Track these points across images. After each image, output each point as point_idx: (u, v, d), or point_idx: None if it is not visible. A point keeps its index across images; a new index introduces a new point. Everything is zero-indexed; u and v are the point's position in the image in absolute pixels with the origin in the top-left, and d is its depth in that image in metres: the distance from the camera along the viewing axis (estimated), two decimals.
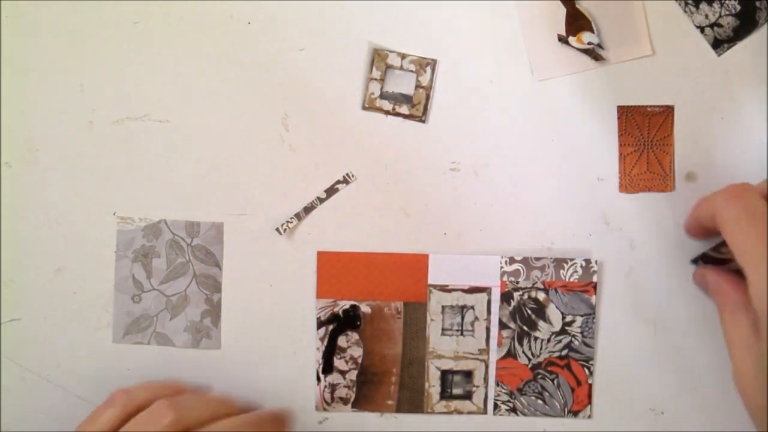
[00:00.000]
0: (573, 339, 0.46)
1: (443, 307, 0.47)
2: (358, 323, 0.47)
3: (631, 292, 0.47)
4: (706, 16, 0.43)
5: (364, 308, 0.47)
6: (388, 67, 0.47)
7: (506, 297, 0.46)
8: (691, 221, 0.45)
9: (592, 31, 0.46)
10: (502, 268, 0.46)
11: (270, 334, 0.48)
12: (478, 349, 0.47)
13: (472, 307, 0.47)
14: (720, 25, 0.43)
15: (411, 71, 0.47)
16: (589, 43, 0.46)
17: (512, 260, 0.46)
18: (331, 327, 0.47)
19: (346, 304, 0.47)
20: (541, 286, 0.46)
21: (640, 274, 0.47)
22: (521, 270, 0.46)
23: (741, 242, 0.38)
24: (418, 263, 0.47)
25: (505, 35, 0.47)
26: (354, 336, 0.47)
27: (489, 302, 0.47)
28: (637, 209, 0.47)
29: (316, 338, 0.47)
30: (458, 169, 0.47)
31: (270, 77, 0.47)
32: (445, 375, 0.47)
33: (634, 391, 0.47)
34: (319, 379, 0.47)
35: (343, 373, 0.47)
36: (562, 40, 0.47)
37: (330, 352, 0.47)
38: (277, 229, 0.47)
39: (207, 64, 0.47)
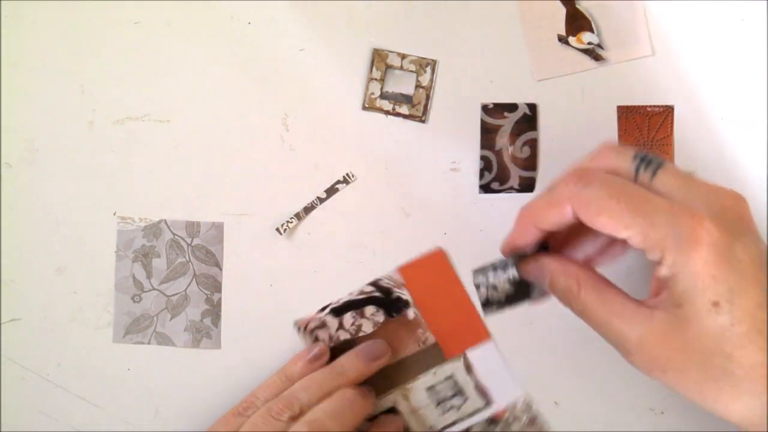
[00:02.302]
0: None
1: (451, 376, 0.46)
2: (394, 315, 0.46)
3: (631, 292, 0.47)
4: (486, 278, 0.42)
5: (410, 312, 0.46)
6: (388, 67, 0.47)
7: (492, 421, 0.46)
8: (522, 233, 0.40)
9: (592, 31, 0.46)
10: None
11: (270, 334, 0.48)
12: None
13: (465, 399, 0.46)
14: (495, 288, 0.42)
15: (411, 71, 0.47)
16: (589, 43, 0.46)
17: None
18: (375, 293, 0.46)
19: (405, 294, 0.46)
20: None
21: (640, 274, 0.47)
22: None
23: (620, 214, 0.35)
24: (477, 333, 0.46)
25: (505, 35, 0.47)
26: (379, 318, 0.46)
27: (478, 410, 0.46)
28: None
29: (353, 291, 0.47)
30: (458, 169, 0.47)
31: (270, 77, 0.47)
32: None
33: (634, 391, 0.47)
34: None
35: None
36: (562, 40, 0.47)
37: (351, 307, 0.46)
38: (277, 229, 0.47)
39: (207, 64, 0.47)
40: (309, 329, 0.46)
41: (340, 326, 0.46)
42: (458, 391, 0.47)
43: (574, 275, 0.38)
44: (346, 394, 0.42)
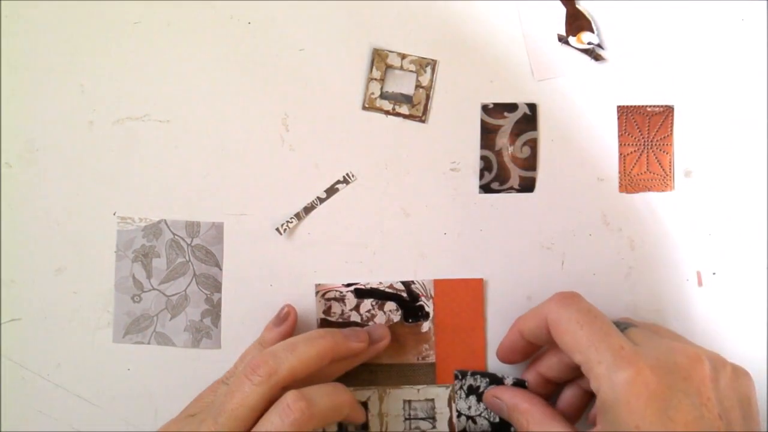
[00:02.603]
0: None
1: (432, 399, 0.47)
2: (410, 321, 0.46)
3: (631, 292, 0.47)
4: (469, 407, 0.46)
5: (426, 325, 0.47)
6: (388, 67, 0.47)
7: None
8: (511, 339, 0.44)
9: (592, 31, 0.46)
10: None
11: None
12: None
13: (433, 426, 0.47)
14: (474, 421, 0.46)
15: (411, 71, 0.47)
16: (589, 43, 0.46)
17: None
18: (401, 294, 0.47)
19: (429, 307, 0.47)
20: None
21: (640, 274, 0.47)
22: None
23: (579, 338, 0.38)
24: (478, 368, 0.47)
25: (505, 35, 0.47)
26: (395, 317, 0.46)
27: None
28: (637, 209, 0.47)
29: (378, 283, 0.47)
30: (458, 169, 0.47)
31: (270, 77, 0.47)
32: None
33: None
34: None
35: None
36: (562, 40, 0.47)
37: (369, 295, 0.47)
38: (277, 229, 0.47)
39: (207, 64, 0.47)
40: (326, 297, 0.46)
41: (356, 308, 0.47)
42: (431, 417, 0.47)
43: (525, 412, 0.42)
44: (312, 332, 0.43)
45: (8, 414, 0.48)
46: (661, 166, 0.47)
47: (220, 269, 0.48)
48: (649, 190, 0.47)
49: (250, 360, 0.41)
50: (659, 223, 0.47)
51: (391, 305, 0.47)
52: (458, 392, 0.46)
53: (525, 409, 0.42)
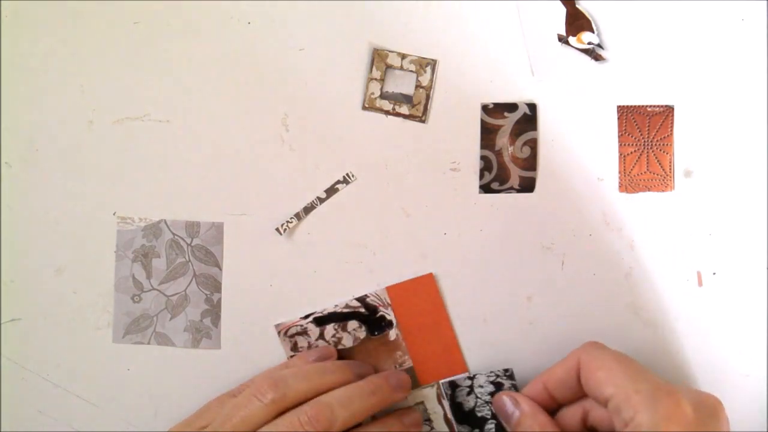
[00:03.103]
0: None
1: (422, 403, 0.47)
2: (376, 334, 0.46)
3: (631, 292, 0.47)
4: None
5: (392, 333, 0.47)
6: (388, 67, 0.47)
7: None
8: (532, 387, 0.44)
9: (592, 31, 0.46)
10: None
11: (270, 334, 0.48)
12: None
13: (431, 429, 0.47)
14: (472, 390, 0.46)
15: (411, 71, 0.47)
16: (589, 43, 0.46)
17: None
18: (360, 310, 0.46)
19: (390, 315, 0.47)
20: None
21: (640, 274, 0.47)
22: None
23: (615, 372, 0.40)
24: (455, 365, 0.47)
25: (505, 35, 0.47)
26: (360, 334, 0.46)
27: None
28: (637, 209, 0.47)
29: (336, 305, 0.47)
30: (458, 169, 0.47)
31: (270, 77, 0.47)
32: None
33: None
34: None
35: None
36: (562, 40, 0.47)
37: (331, 320, 0.46)
38: (277, 229, 0.47)
39: (207, 64, 0.47)
40: (289, 333, 0.46)
41: (321, 336, 0.46)
42: (426, 420, 0.47)
43: (541, 422, 0.42)
44: (363, 386, 0.43)
45: (8, 414, 0.48)
46: (661, 166, 0.47)
47: (220, 269, 0.48)
48: (649, 190, 0.47)
49: (307, 409, 0.41)
50: (659, 223, 0.47)
51: (353, 324, 0.47)
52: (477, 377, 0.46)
53: (543, 420, 0.42)
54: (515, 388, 0.46)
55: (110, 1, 0.47)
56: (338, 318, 0.47)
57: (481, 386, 0.46)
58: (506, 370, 0.46)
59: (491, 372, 0.46)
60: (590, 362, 0.41)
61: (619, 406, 0.39)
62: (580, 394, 0.43)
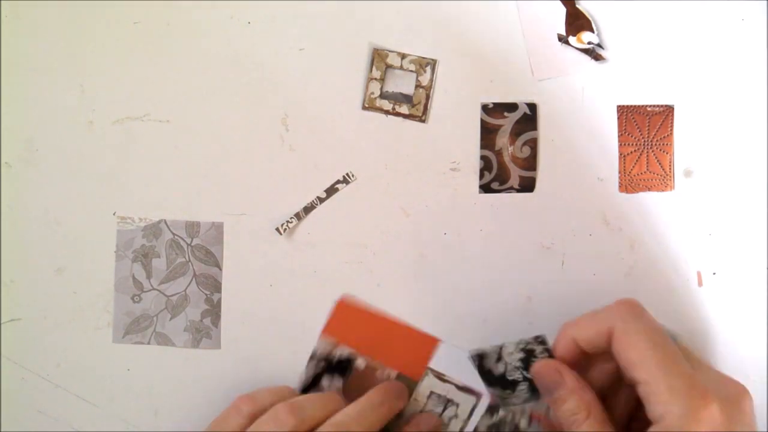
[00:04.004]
0: None
1: (431, 393, 0.46)
2: (348, 373, 0.47)
3: (631, 292, 0.47)
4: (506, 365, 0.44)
5: (359, 362, 0.47)
6: (388, 67, 0.47)
7: (491, 409, 0.46)
8: (565, 347, 0.42)
9: (592, 31, 0.46)
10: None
11: (270, 334, 0.48)
12: None
13: (457, 405, 0.46)
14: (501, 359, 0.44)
15: (411, 71, 0.47)
16: (589, 43, 0.46)
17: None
18: (321, 365, 0.47)
19: (344, 351, 0.47)
20: (528, 415, 0.46)
21: (640, 274, 0.47)
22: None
23: (648, 358, 0.38)
24: (426, 344, 0.47)
25: (505, 35, 0.47)
26: (338, 383, 0.46)
27: (474, 407, 0.46)
28: (637, 209, 0.47)
29: (303, 373, 0.47)
30: (458, 169, 0.47)
31: (270, 77, 0.47)
32: None
33: None
34: None
35: None
36: (562, 40, 0.47)
37: (309, 387, 0.47)
38: (277, 229, 0.47)
39: (207, 64, 0.47)
40: None
41: None
42: (445, 402, 0.47)
43: (587, 402, 0.40)
44: (371, 398, 0.44)
45: (8, 414, 0.48)
46: (661, 166, 0.47)
47: (220, 269, 0.48)
48: (649, 190, 0.47)
49: (326, 430, 0.41)
50: (659, 223, 0.47)
51: (325, 381, 0.46)
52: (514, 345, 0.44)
53: (589, 399, 0.40)
54: (549, 353, 0.43)
55: (110, 1, 0.47)
56: (312, 385, 0.47)
57: (511, 353, 0.43)
58: (537, 337, 0.43)
59: (521, 340, 0.44)
60: (624, 337, 0.39)
61: (648, 397, 0.38)
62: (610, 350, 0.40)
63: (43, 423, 0.48)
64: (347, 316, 0.47)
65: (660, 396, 0.37)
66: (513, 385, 0.43)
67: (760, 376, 0.47)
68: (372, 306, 0.47)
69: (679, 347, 0.39)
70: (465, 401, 0.46)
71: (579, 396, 0.40)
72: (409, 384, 0.47)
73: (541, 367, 0.42)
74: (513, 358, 0.43)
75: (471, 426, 0.46)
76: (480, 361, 0.44)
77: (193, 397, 0.48)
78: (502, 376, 0.44)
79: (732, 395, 0.38)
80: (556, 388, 0.41)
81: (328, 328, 0.47)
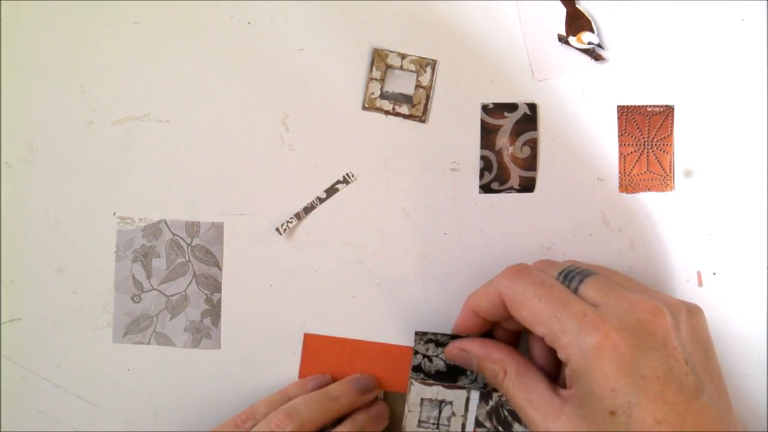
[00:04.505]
0: None
1: (422, 400, 0.47)
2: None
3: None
4: (427, 349, 0.46)
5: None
6: (388, 67, 0.47)
7: (485, 396, 0.46)
8: (465, 317, 0.44)
9: (592, 31, 0.46)
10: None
11: (270, 334, 0.48)
12: None
13: (451, 403, 0.46)
14: (430, 360, 0.45)
15: (411, 71, 0.47)
16: (589, 43, 0.46)
17: None
18: None
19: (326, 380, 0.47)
20: None
21: (640, 274, 0.47)
22: None
23: (538, 311, 0.38)
24: (402, 355, 0.47)
25: (505, 35, 0.47)
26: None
27: (468, 400, 0.46)
28: (637, 209, 0.47)
29: None
30: (458, 169, 0.47)
31: (270, 77, 0.47)
32: None
33: None
34: None
35: None
36: (562, 40, 0.47)
37: None
38: (277, 229, 0.47)
39: (207, 64, 0.47)
40: None
41: None
42: (439, 404, 0.47)
43: (499, 361, 0.41)
44: (358, 419, 0.45)
45: (8, 414, 0.48)
46: (661, 166, 0.47)
47: (220, 269, 0.48)
48: (649, 190, 0.47)
49: None
50: (659, 223, 0.47)
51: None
52: (417, 343, 0.46)
53: (499, 358, 0.41)
54: (450, 336, 0.45)
55: (110, 1, 0.47)
56: None
57: (428, 349, 0.46)
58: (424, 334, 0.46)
59: (417, 334, 0.46)
60: (513, 300, 0.40)
61: (554, 345, 0.38)
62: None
63: (43, 423, 0.48)
64: (317, 349, 0.47)
65: (560, 342, 0.38)
66: (461, 372, 0.45)
67: (760, 376, 0.47)
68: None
69: (592, 282, 0.39)
70: (457, 397, 0.46)
71: (489, 360, 0.42)
72: (399, 398, 0.47)
73: (448, 352, 0.45)
74: (437, 352, 0.46)
75: (471, 418, 0.46)
76: (418, 372, 0.46)
77: (193, 397, 0.48)
78: (447, 370, 0.46)
79: (642, 319, 0.37)
80: (470, 364, 0.43)
81: (303, 370, 0.47)
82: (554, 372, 0.42)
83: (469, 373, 0.45)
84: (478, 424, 0.47)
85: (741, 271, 0.47)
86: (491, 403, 0.46)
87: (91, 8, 0.47)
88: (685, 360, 0.37)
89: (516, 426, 0.46)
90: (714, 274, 0.47)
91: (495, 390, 0.46)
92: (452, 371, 0.46)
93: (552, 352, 0.40)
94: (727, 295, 0.47)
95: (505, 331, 0.45)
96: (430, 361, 0.46)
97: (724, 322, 0.47)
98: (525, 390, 0.40)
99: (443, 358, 0.45)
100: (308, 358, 0.47)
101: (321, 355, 0.47)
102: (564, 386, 0.39)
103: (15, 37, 0.48)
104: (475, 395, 0.46)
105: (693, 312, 0.39)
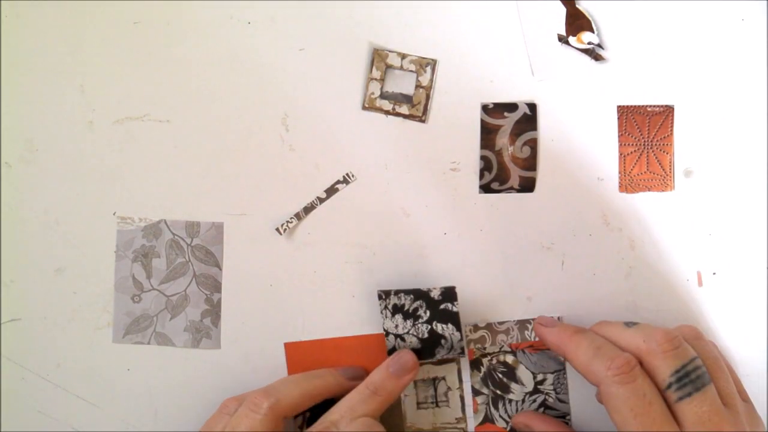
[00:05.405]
0: (547, 397, 0.46)
1: (415, 382, 0.47)
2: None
3: (631, 292, 0.47)
4: (396, 326, 0.45)
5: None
6: (388, 67, 0.47)
7: (475, 364, 0.47)
8: (552, 341, 0.45)
9: (592, 31, 0.46)
10: (467, 336, 0.47)
11: (270, 334, 0.48)
12: (455, 418, 0.47)
13: (444, 378, 0.47)
14: (403, 339, 0.45)
15: (411, 71, 0.47)
16: (589, 43, 0.46)
17: (476, 327, 0.47)
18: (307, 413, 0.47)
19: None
20: (509, 349, 0.47)
21: (640, 274, 0.47)
22: (486, 336, 0.47)
23: (628, 422, 0.39)
24: (381, 342, 0.47)
25: (505, 35, 0.47)
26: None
27: (459, 371, 0.47)
28: (637, 209, 0.47)
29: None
30: (458, 169, 0.47)
31: (270, 77, 0.47)
32: None
33: None
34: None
35: None
36: (562, 40, 0.47)
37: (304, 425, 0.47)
38: (277, 229, 0.47)
39: (207, 63, 0.47)
40: None
41: None
42: (433, 381, 0.47)
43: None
44: (363, 388, 0.44)
45: (8, 414, 0.48)
46: (661, 166, 0.47)
47: (220, 269, 0.48)
48: (649, 190, 0.47)
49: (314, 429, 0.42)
50: (659, 223, 0.47)
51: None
52: (383, 312, 0.45)
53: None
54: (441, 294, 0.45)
55: (110, 1, 0.47)
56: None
57: (397, 326, 0.45)
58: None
59: (380, 296, 0.45)
60: (609, 400, 0.40)
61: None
62: None
63: (43, 423, 0.48)
64: (300, 354, 0.47)
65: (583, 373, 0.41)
66: (435, 343, 0.45)
67: (760, 376, 0.47)
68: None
69: (698, 396, 0.40)
70: (448, 371, 0.47)
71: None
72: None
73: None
74: (407, 327, 0.45)
75: (467, 389, 0.47)
76: (386, 298, 0.45)
77: (193, 397, 0.48)
78: (426, 343, 0.45)
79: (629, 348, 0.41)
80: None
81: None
82: None
83: (443, 341, 0.45)
84: (476, 392, 0.47)
85: (741, 271, 0.47)
86: (483, 369, 0.46)
87: (91, 8, 0.47)
88: None
89: (513, 385, 0.46)
90: (714, 274, 0.47)
91: (483, 356, 0.46)
92: (428, 345, 0.45)
93: None
94: (727, 295, 0.47)
95: None
96: (403, 340, 0.45)
97: (724, 322, 0.47)
98: None
99: (414, 333, 0.45)
100: (294, 367, 0.47)
101: (305, 359, 0.47)
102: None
103: (15, 37, 0.48)
104: (465, 365, 0.46)
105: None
